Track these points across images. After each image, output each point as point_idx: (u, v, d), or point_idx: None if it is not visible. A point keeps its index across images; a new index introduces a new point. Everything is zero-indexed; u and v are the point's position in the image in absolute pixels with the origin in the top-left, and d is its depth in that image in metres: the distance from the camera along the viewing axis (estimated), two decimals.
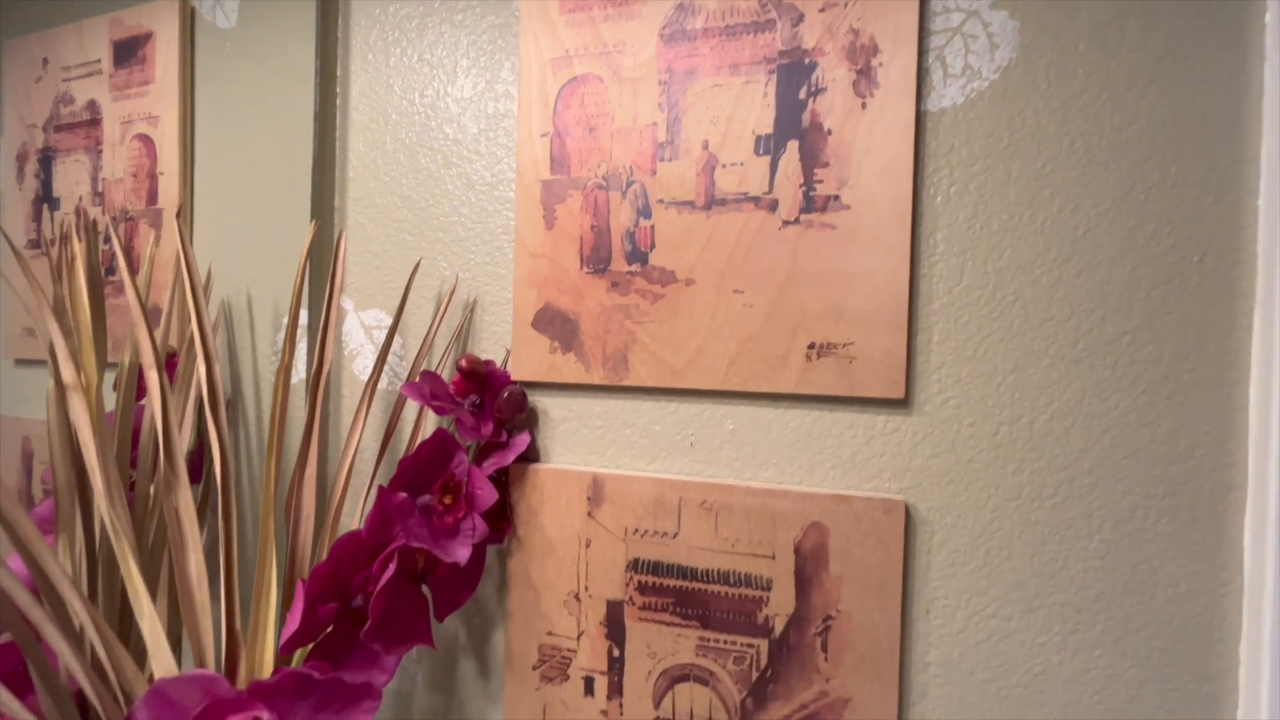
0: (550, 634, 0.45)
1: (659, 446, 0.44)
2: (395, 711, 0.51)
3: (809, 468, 0.41)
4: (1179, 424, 0.35)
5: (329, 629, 0.38)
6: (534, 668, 0.45)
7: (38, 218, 0.65)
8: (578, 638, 0.44)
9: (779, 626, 0.40)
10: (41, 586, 0.36)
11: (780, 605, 0.40)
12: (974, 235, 0.38)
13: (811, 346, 0.40)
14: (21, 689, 0.39)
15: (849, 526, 0.39)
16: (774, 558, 0.40)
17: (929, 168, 0.39)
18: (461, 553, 0.40)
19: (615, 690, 0.43)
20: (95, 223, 0.35)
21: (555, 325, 0.45)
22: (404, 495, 0.40)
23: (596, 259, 0.44)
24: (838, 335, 0.39)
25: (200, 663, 0.37)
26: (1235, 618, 0.34)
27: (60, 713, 0.36)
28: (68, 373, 0.33)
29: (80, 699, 0.38)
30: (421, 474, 0.41)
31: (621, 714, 0.43)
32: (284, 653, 0.35)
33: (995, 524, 0.37)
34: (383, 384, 0.51)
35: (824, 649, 0.39)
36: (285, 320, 0.54)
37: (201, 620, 0.37)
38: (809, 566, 0.39)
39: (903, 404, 0.39)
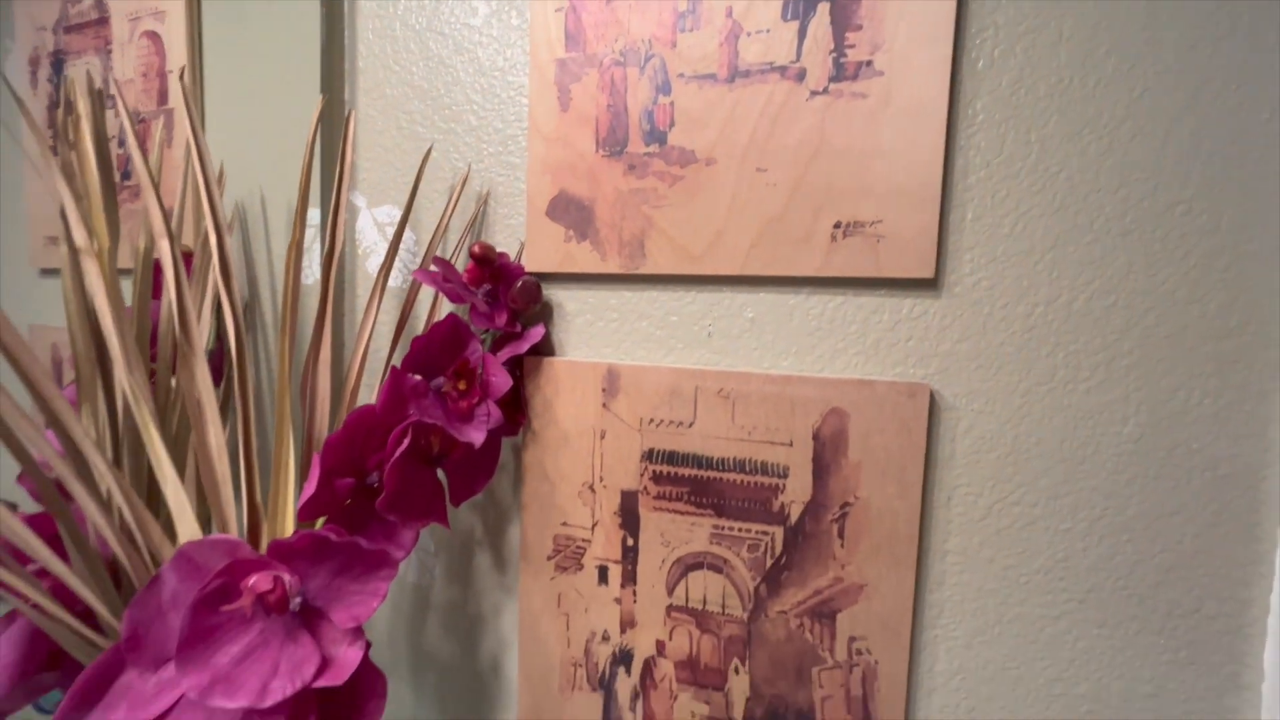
0: (565, 525, 0.45)
1: (676, 338, 0.43)
2: (415, 605, 0.53)
3: (830, 356, 0.40)
4: (1232, 298, 0.32)
5: (346, 504, 0.39)
6: (549, 558, 0.46)
7: (53, 124, 0.65)
8: (592, 528, 0.45)
9: (795, 514, 0.39)
10: (70, 456, 0.36)
11: (797, 493, 0.39)
12: (1018, 102, 0.35)
13: (837, 226, 0.38)
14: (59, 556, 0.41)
15: (870, 412, 0.37)
16: (791, 445, 0.39)
17: (972, 28, 0.36)
18: (476, 435, 0.40)
19: (629, 578, 0.44)
20: (99, 89, 0.34)
21: (570, 213, 0.44)
22: (418, 377, 0.40)
23: (613, 141, 0.42)
24: (866, 213, 0.37)
25: (223, 533, 0.38)
26: (1276, 500, 0.32)
27: (93, 576, 0.38)
28: (79, 236, 0.33)
29: (111, 565, 0.40)
30: (435, 357, 0.41)
31: (635, 601, 0.44)
32: (302, 518, 0.36)
33: (1025, 410, 0.36)
34: (395, 281, 0.51)
35: (840, 536, 0.39)
36: (289, 245, 0.53)
37: (223, 492, 0.38)
38: (827, 453, 0.39)
39: (931, 286, 0.37)
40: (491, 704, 0.50)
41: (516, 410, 0.46)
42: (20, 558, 0.38)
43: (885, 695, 0.38)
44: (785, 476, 0.40)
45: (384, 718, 0.56)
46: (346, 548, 0.34)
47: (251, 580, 0.33)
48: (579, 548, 0.45)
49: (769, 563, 0.40)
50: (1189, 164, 0.33)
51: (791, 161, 0.38)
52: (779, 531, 0.40)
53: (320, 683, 0.33)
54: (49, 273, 0.68)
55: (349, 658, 0.34)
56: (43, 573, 0.38)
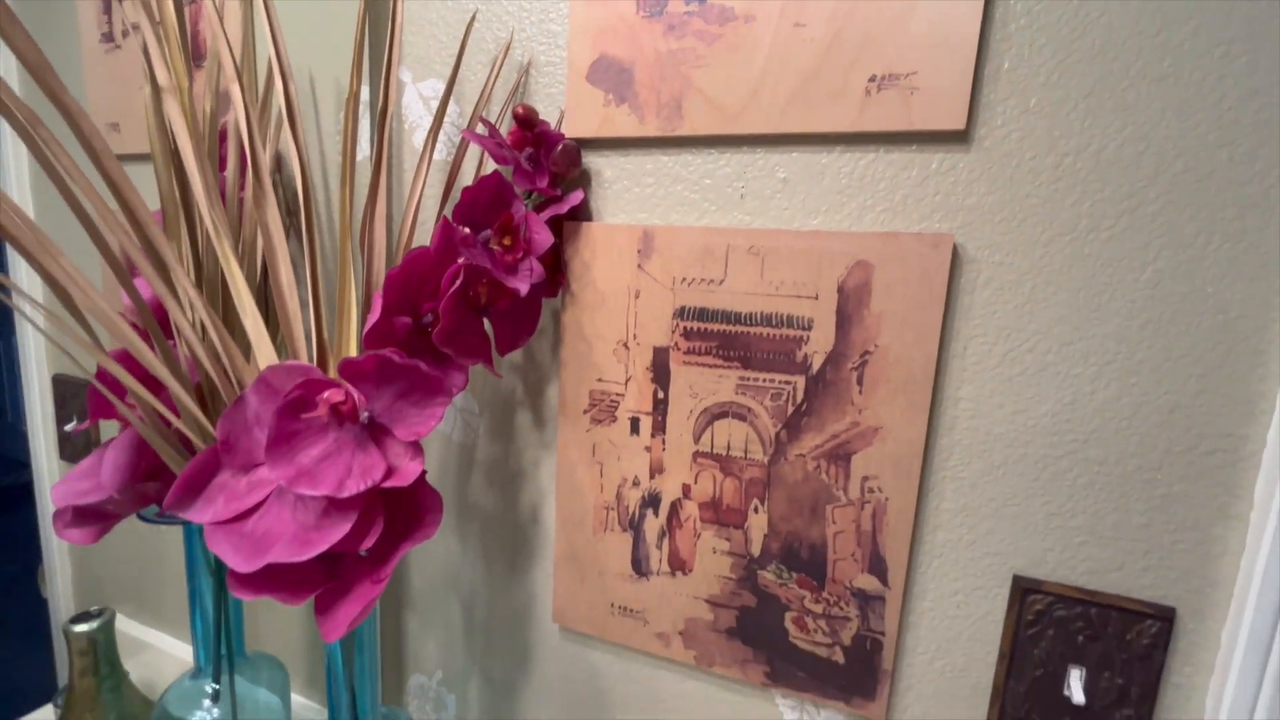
0: (600, 380, 0.49)
1: (709, 200, 0.45)
2: (460, 462, 0.58)
3: (859, 213, 0.41)
4: (1261, 141, 0.33)
5: (403, 342, 0.43)
6: (585, 412, 0.50)
7: (108, 9, 0.67)
8: (625, 383, 0.48)
9: (817, 363, 0.42)
10: (162, 290, 0.40)
11: (820, 343, 0.42)
12: None
13: (872, 80, 0.38)
14: (154, 388, 0.46)
15: (894, 263, 0.39)
16: (817, 298, 0.41)
17: None
18: (521, 285, 0.43)
19: (659, 428, 0.47)
20: None
21: (610, 76, 0.45)
22: (467, 230, 0.43)
23: (653, 1, 0.43)
24: (901, 65, 0.38)
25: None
26: None
27: (186, 398, 0.42)
28: (162, 74, 0.36)
29: (199, 393, 0.44)
30: (482, 212, 0.44)
31: (664, 449, 0.47)
32: (366, 346, 0.40)
33: (1045, 260, 0.37)
34: (440, 155, 0.53)
35: (859, 383, 0.41)
36: (347, 97, 0.55)
37: (295, 327, 0.42)
38: (851, 305, 0.41)
39: (962, 139, 0.38)
40: (530, 549, 0.55)
41: (556, 272, 0.49)
42: (119, 389, 0.43)
43: (893, 529, 0.42)
44: (809, 329, 0.42)
45: (432, 567, 0.62)
46: (408, 370, 0.38)
47: (326, 393, 0.37)
48: (613, 402, 0.49)
49: (790, 410, 0.43)
50: (1233, 2, 0.33)
51: (830, 15, 0.39)
52: (801, 380, 0.43)
53: (388, 483, 0.38)
54: None
55: (411, 469, 0.39)
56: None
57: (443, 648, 0.62)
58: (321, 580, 0.38)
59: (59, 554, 0.92)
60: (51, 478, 0.90)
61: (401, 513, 0.41)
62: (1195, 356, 0.35)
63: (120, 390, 0.45)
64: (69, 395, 0.84)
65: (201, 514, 0.38)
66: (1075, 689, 0.39)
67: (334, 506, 0.37)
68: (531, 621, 0.56)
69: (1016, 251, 0.38)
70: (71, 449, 0.86)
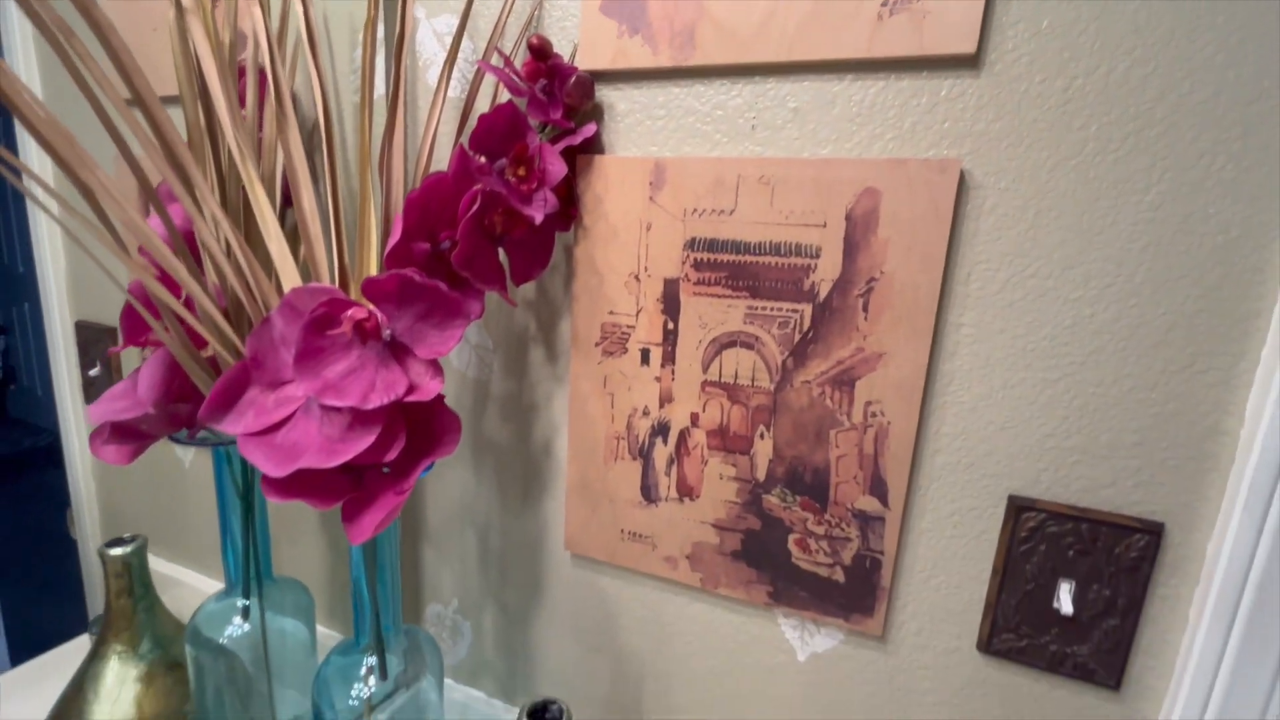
0: (612, 313, 0.50)
1: (721, 132, 0.45)
2: (475, 397, 0.59)
3: (868, 142, 0.42)
4: (1266, 61, 0.33)
5: (422, 266, 0.44)
6: (596, 344, 0.51)
7: None
8: (636, 314, 0.49)
9: (824, 291, 0.43)
10: (191, 208, 0.42)
11: (827, 271, 0.43)
12: None
13: (884, 4, 0.39)
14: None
15: (902, 189, 0.40)
16: (825, 226, 0.42)
17: None
18: (536, 213, 0.44)
19: (668, 359, 0.49)
20: None
21: (624, 6, 0.45)
22: (482, 159, 0.44)
23: None
24: None
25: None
26: None
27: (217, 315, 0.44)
28: None
29: (225, 316, 0.46)
30: (497, 141, 0.44)
31: (673, 379, 0.49)
32: (387, 267, 0.41)
33: (1050, 184, 0.38)
34: (454, 92, 0.54)
35: (865, 309, 0.42)
36: (362, 36, 0.55)
37: (317, 251, 0.43)
38: (858, 232, 0.42)
39: (972, 64, 0.38)
40: (543, 480, 0.57)
41: (569, 205, 0.49)
42: (153, 309, 0.44)
43: (894, 453, 0.44)
44: (817, 257, 0.43)
45: (448, 500, 0.64)
46: (429, 291, 0.40)
47: (350, 311, 0.39)
48: (624, 333, 0.50)
49: (797, 338, 0.45)
50: None
51: None
52: (808, 308, 0.44)
53: (410, 398, 0.39)
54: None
55: (431, 386, 0.40)
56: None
57: (458, 577, 0.65)
58: (348, 489, 0.40)
59: (86, 497, 0.95)
60: (77, 423, 0.93)
61: (422, 431, 0.42)
62: (1194, 277, 0.36)
63: (152, 311, 0.47)
64: (91, 341, 0.86)
65: (233, 426, 0.40)
66: (1064, 600, 0.41)
67: (358, 421, 0.39)
68: (544, 550, 0.59)
69: (1022, 177, 0.39)
70: (95, 393, 0.88)
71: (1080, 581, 0.41)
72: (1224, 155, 0.35)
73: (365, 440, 0.39)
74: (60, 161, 0.33)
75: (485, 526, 0.61)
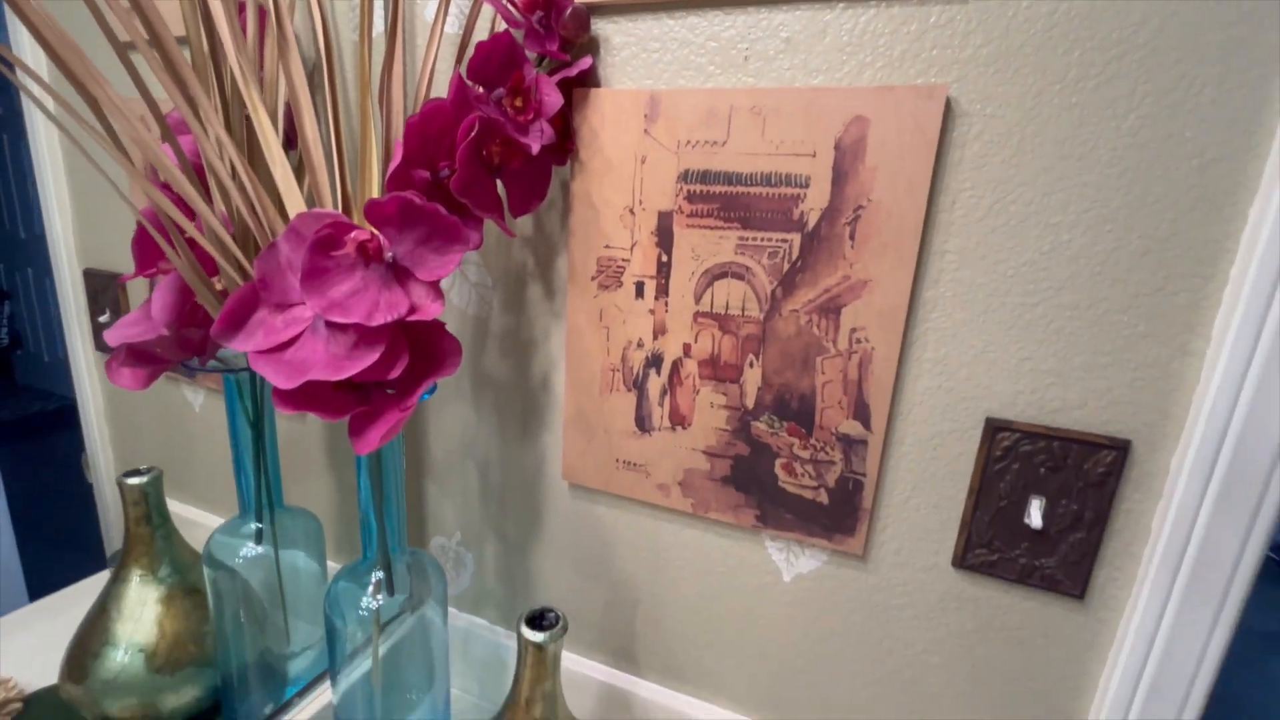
0: (607, 247, 0.51)
1: (714, 64, 0.46)
2: (475, 335, 0.61)
3: (858, 70, 0.42)
4: None
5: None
6: (592, 278, 0.53)
7: None
8: (631, 248, 0.51)
9: (812, 220, 0.44)
10: (196, 129, 0.43)
11: (815, 200, 0.44)
12: None
13: None
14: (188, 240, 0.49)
15: (890, 117, 0.41)
16: (814, 155, 0.43)
17: None
18: (533, 143, 0.45)
19: (662, 291, 0.50)
20: None
21: None
22: (480, 89, 0.45)
23: None
24: None
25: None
26: (1255, 183, 0.36)
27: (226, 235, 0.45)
28: None
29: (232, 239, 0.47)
30: (494, 72, 0.45)
31: (666, 311, 0.51)
32: (389, 189, 0.43)
33: (1034, 110, 0.39)
34: (450, 29, 0.54)
35: (851, 238, 0.44)
36: None
37: (320, 177, 0.44)
38: (846, 160, 0.43)
39: None
40: (541, 414, 0.60)
41: (565, 139, 0.50)
42: (164, 233, 0.46)
43: (877, 378, 0.45)
44: (806, 186, 0.44)
45: (449, 436, 0.66)
46: (429, 215, 0.41)
47: (353, 233, 0.40)
48: (619, 267, 0.51)
49: (786, 267, 0.46)
50: None
51: None
52: (797, 238, 0.45)
53: (412, 318, 0.41)
54: None
55: (432, 308, 0.42)
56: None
57: (460, 511, 0.67)
58: (354, 405, 0.42)
59: (100, 442, 0.98)
60: (89, 370, 0.95)
61: (425, 352, 0.44)
62: (1169, 201, 0.37)
63: (163, 234, 0.48)
64: (100, 289, 0.88)
65: (243, 344, 0.42)
66: (1035, 516, 0.43)
67: (363, 340, 0.41)
68: (542, 481, 0.61)
69: (1008, 103, 0.39)
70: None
71: (1050, 498, 0.43)
72: (1202, 79, 0.36)
73: (370, 357, 0.40)
74: (70, 75, 0.34)
75: (485, 460, 0.64)
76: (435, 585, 0.55)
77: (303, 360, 0.41)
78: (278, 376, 0.40)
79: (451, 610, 0.71)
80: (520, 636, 0.43)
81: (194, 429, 0.86)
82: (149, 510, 0.62)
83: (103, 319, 0.89)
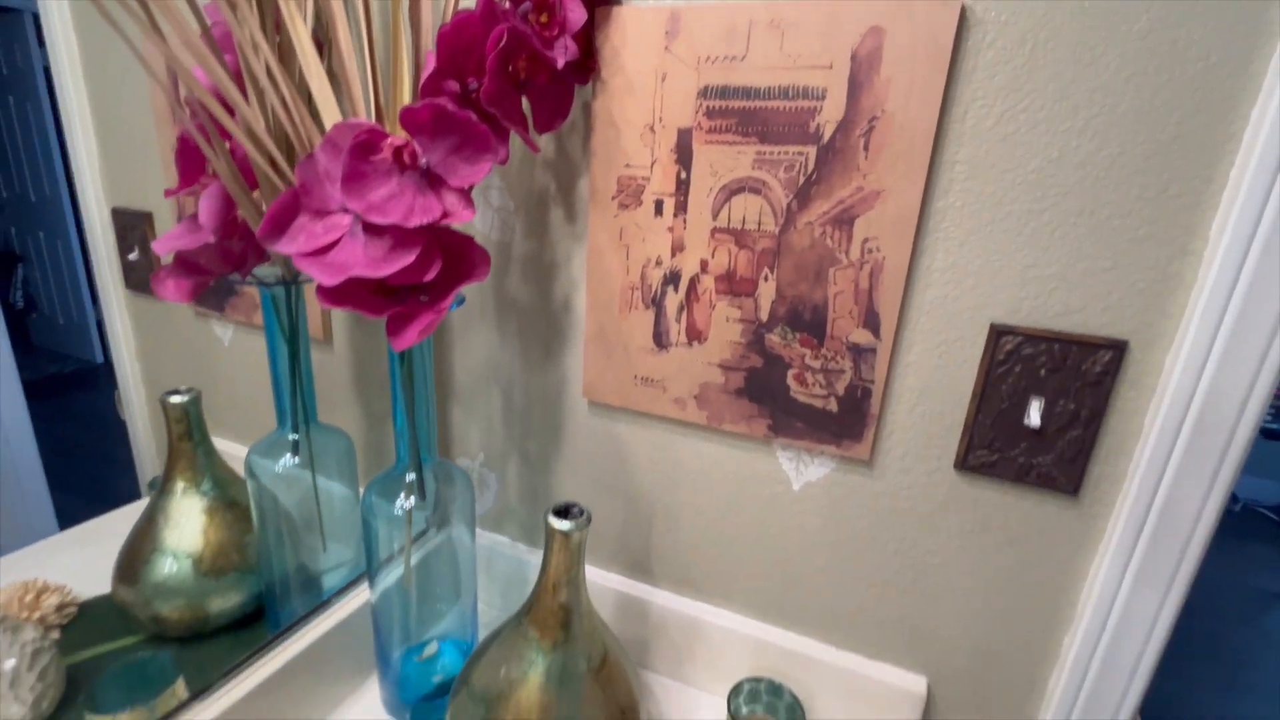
0: (628, 166, 0.53)
1: None
2: (499, 259, 0.63)
3: None
4: None
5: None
6: (613, 198, 0.55)
7: None
8: (651, 166, 0.52)
9: (828, 133, 0.46)
10: (236, 28, 0.45)
11: (831, 113, 0.45)
12: None
13: None
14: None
15: (905, 27, 0.42)
16: (831, 68, 0.45)
17: None
18: (558, 57, 0.47)
19: (680, 208, 0.52)
20: None
21: None
22: (507, 4, 0.46)
23: None
24: None
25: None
26: (1257, 84, 0.37)
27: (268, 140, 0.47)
28: None
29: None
30: None
31: (685, 228, 0.53)
32: (422, 96, 0.44)
33: (1047, 17, 0.40)
34: None
35: (865, 149, 0.45)
36: None
37: (355, 89, 0.46)
38: (862, 72, 0.44)
39: None
40: (563, 334, 0.62)
41: (588, 57, 0.52)
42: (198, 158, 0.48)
43: (887, 287, 0.47)
44: (823, 99, 0.45)
45: (475, 360, 0.69)
46: (462, 121, 0.43)
47: (389, 139, 0.42)
48: (639, 185, 0.53)
49: (801, 180, 0.48)
50: None
51: None
52: (812, 151, 0.47)
53: (445, 222, 0.43)
54: None
55: (465, 214, 0.44)
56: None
57: (484, 433, 0.70)
58: (392, 305, 0.45)
59: (133, 379, 1.02)
60: (119, 307, 0.98)
61: (456, 260, 0.47)
62: (1174, 104, 0.39)
63: (206, 138, 0.50)
64: (128, 227, 0.90)
65: (287, 247, 0.44)
66: (1034, 416, 0.45)
67: (399, 243, 0.43)
68: (564, 401, 0.64)
69: (1021, 10, 0.41)
70: (135, 277, 0.93)
71: (1049, 398, 0.45)
72: None
73: (407, 259, 0.43)
74: None
75: (509, 383, 0.67)
76: (462, 493, 0.59)
77: (343, 261, 0.43)
78: (321, 274, 0.42)
79: (477, 530, 0.75)
80: (547, 526, 0.47)
81: (224, 364, 0.89)
82: (190, 427, 0.66)
83: (131, 256, 0.92)
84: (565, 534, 0.46)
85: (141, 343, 1.00)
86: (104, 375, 0.83)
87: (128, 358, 1.02)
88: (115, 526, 0.87)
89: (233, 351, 0.89)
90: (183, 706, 0.52)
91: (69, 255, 0.95)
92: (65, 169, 0.80)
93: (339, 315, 0.69)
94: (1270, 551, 2.60)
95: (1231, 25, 0.37)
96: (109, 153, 0.89)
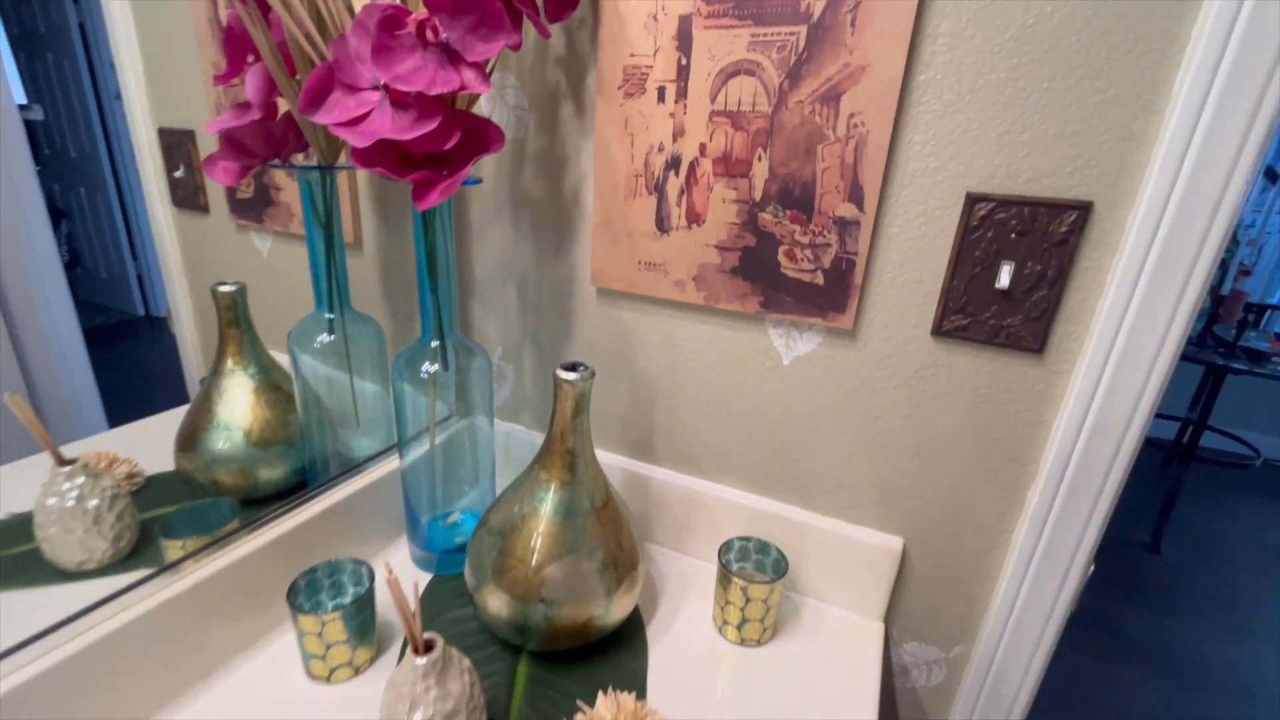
0: (632, 55, 0.57)
1: None
2: (513, 158, 0.68)
3: None
4: None
5: None
6: (619, 88, 0.58)
7: None
8: (654, 54, 0.56)
9: (818, 11, 0.49)
10: None
11: None
12: None
13: None
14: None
15: None
16: None
17: None
18: None
19: (681, 94, 0.56)
20: None
21: None
22: None
23: None
24: None
25: None
26: None
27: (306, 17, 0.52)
28: None
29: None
30: None
31: (685, 113, 0.56)
32: None
33: None
34: None
35: (852, 25, 0.48)
36: None
37: None
38: None
39: None
40: (572, 226, 0.67)
41: None
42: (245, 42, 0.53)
43: (871, 161, 0.51)
44: None
45: (491, 258, 0.74)
46: (478, 1, 0.47)
47: (413, 15, 0.47)
48: (643, 74, 0.57)
49: (793, 60, 0.51)
50: None
51: None
52: (803, 30, 0.50)
53: (463, 91, 0.48)
54: None
55: (480, 87, 0.48)
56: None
57: (501, 328, 0.76)
58: (416, 169, 0.50)
59: (180, 291, 1.10)
60: (168, 226, 1.06)
61: (474, 135, 0.51)
62: None
63: (249, 19, 0.55)
64: (174, 145, 0.97)
65: (324, 118, 0.49)
66: (1004, 278, 0.49)
67: (422, 115, 0.48)
68: (573, 290, 0.69)
69: None
70: (181, 195, 1.00)
71: (1018, 261, 0.49)
72: None
73: (430, 125, 0.48)
74: None
75: (523, 277, 0.72)
76: (480, 368, 0.64)
77: (374, 129, 0.48)
78: (355, 139, 0.47)
79: (495, 419, 0.81)
80: (556, 379, 0.52)
81: (264, 274, 0.96)
82: (237, 315, 0.73)
83: (177, 174, 0.99)
84: (571, 383, 0.52)
85: (187, 256, 1.08)
86: (145, 327, 0.90)
87: (175, 271, 1.10)
88: (165, 424, 0.95)
89: (271, 261, 0.96)
90: (234, 533, 0.60)
91: (109, 210, 1.02)
92: (101, 119, 0.85)
93: (368, 218, 0.75)
94: None
95: None
96: (154, 76, 0.95)
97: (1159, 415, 2.78)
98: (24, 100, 0.54)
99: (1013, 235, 0.48)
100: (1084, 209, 0.46)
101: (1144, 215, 0.44)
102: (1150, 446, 2.84)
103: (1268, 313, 2.53)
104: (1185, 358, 2.11)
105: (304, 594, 0.56)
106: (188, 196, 1.02)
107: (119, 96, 0.61)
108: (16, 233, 0.51)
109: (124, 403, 0.67)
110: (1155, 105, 0.43)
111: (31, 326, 0.53)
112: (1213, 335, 2.15)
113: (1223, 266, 2.19)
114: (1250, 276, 2.25)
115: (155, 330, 0.78)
